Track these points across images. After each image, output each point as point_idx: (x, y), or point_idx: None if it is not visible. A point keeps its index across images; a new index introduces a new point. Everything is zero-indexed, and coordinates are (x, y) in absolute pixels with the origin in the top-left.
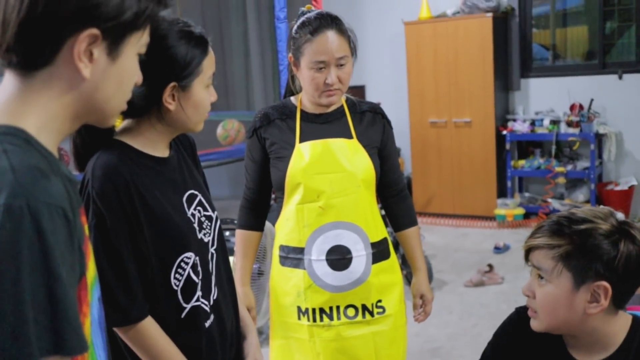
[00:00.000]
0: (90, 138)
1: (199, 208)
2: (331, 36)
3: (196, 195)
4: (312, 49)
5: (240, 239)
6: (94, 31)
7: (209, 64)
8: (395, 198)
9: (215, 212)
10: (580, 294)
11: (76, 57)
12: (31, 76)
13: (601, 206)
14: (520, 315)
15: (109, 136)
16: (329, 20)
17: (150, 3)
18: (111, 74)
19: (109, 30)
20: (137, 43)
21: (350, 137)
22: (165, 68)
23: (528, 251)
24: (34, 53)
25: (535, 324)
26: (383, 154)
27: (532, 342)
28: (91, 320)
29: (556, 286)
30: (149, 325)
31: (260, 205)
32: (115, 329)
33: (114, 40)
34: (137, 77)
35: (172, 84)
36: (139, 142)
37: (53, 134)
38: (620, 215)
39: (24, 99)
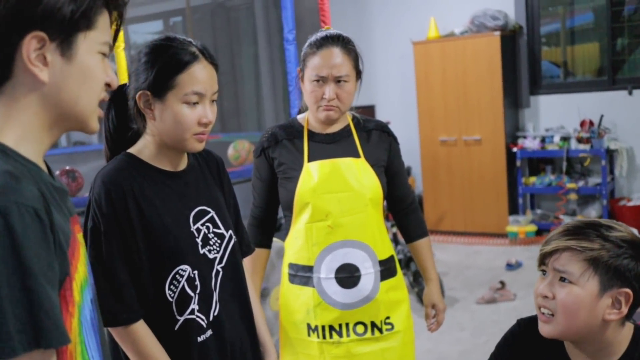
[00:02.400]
0: (120, 140)
1: (208, 224)
2: (335, 52)
3: (208, 212)
4: (313, 62)
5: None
6: (37, 33)
7: (188, 80)
8: (406, 211)
9: (230, 232)
10: (603, 299)
11: (27, 61)
12: (0, 92)
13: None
14: (521, 327)
15: (132, 142)
16: (337, 39)
17: None
18: (71, 74)
19: (51, 30)
20: (89, 40)
21: (357, 156)
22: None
23: (549, 253)
24: None
25: (549, 329)
26: (391, 170)
27: (534, 352)
28: (82, 320)
29: (582, 288)
30: (138, 329)
31: (268, 222)
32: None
33: (63, 40)
34: (107, 77)
35: (145, 92)
36: (146, 155)
37: (33, 144)
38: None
39: None
